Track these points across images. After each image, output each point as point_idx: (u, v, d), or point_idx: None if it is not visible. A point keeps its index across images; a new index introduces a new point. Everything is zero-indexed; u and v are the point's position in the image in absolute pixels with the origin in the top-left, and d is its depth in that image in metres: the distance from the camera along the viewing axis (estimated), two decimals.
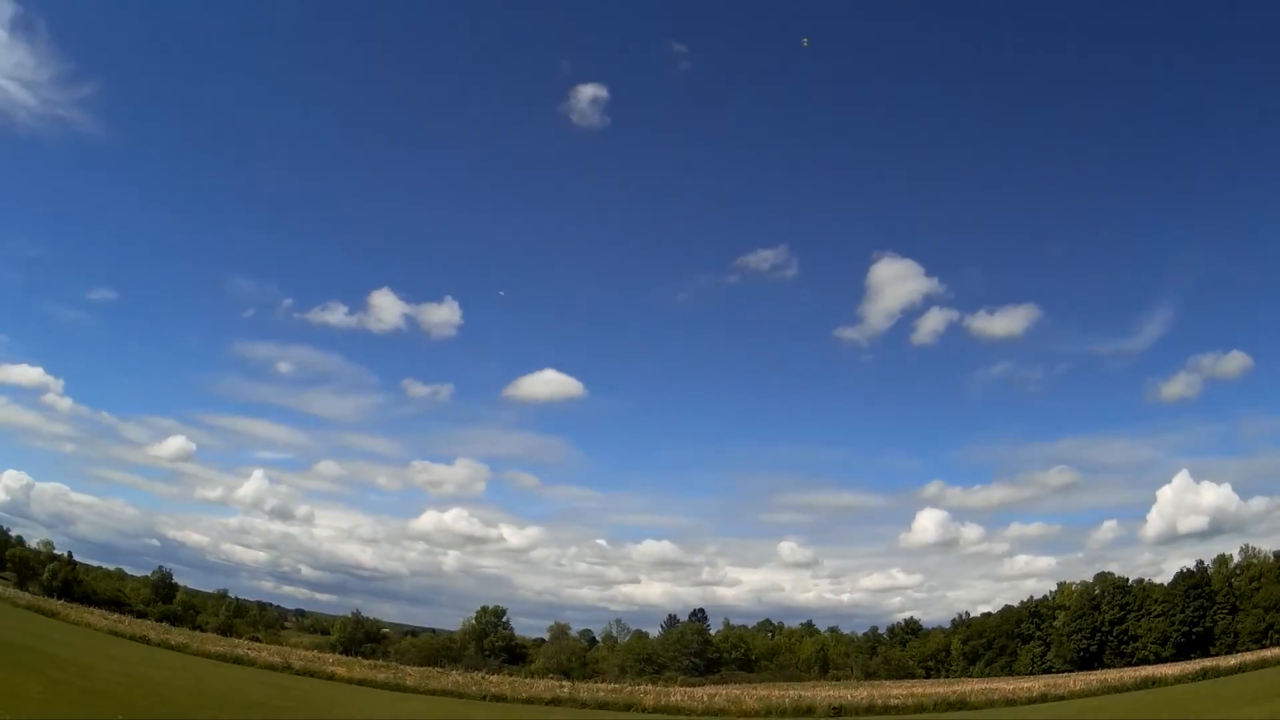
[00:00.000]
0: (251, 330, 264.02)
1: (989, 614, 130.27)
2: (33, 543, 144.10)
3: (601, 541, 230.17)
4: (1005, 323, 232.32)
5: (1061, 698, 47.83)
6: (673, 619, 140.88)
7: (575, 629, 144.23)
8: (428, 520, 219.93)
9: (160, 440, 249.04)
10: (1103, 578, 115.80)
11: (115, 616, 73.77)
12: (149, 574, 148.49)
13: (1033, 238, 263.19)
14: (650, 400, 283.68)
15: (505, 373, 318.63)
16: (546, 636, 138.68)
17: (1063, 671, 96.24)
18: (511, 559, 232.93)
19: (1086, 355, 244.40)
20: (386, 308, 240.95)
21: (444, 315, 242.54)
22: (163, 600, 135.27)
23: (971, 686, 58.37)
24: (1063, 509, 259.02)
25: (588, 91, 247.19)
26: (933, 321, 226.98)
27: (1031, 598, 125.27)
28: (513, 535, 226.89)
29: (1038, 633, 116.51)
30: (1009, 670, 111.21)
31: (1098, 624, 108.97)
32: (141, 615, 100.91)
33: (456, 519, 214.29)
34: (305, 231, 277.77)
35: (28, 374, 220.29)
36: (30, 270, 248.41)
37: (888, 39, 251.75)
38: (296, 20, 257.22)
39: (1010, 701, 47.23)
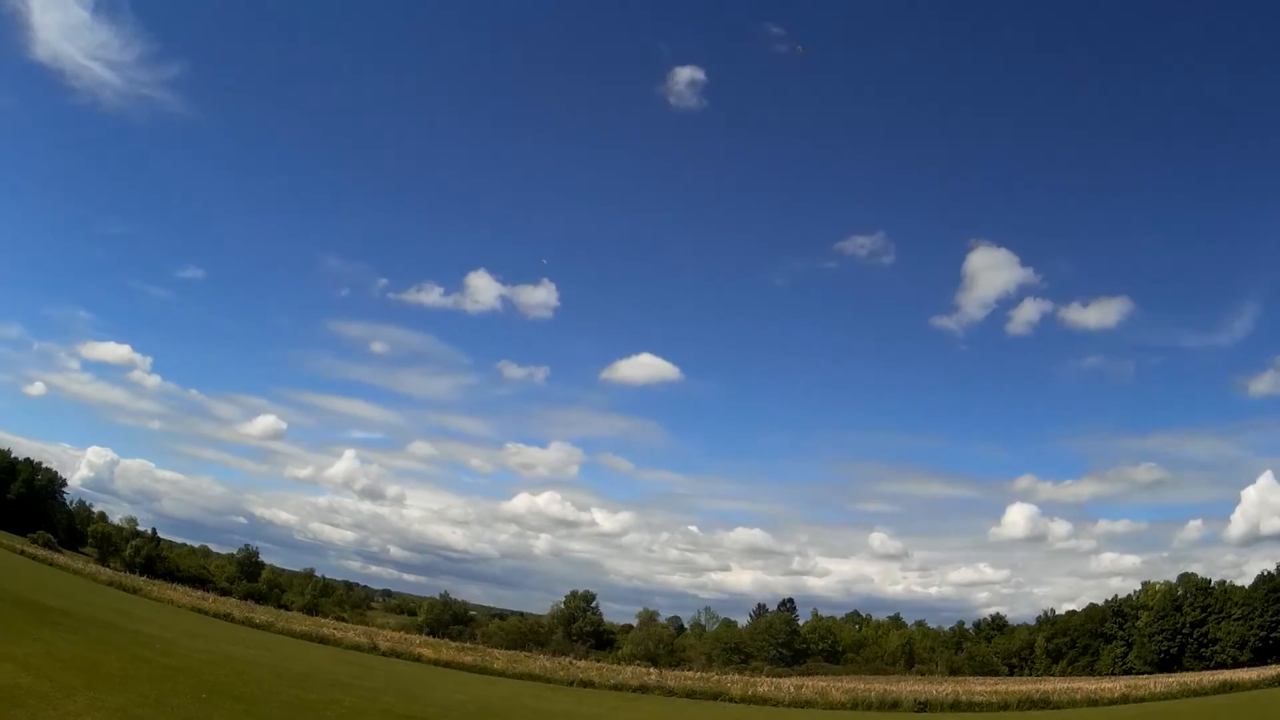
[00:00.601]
0: (345, 309, 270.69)
1: (1074, 612, 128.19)
2: (116, 518, 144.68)
3: (693, 528, 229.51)
4: (1098, 314, 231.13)
5: (1142, 699, 47.19)
6: (761, 608, 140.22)
7: (663, 616, 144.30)
8: (520, 502, 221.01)
9: (250, 418, 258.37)
10: (1186, 578, 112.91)
11: (199, 594, 74.67)
12: (234, 552, 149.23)
13: (1126, 230, 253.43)
14: (745, 385, 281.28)
15: (601, 355, 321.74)
16: (635, 623, 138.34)
17: (1143, 673, 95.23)
18: (602, 543, 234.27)
19: (1177, 349, 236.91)
20: (483, 289, 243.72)
21: (540, 297, 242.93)
22: (248, 578, 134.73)
23: (1054, 685, 56.79)
24: (1150, 505, 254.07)
25: (685, 74, 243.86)
26: (1027, 312, 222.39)
27: (1116, 596, 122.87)
28: (604, 519, 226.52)
29: (1120, 633, 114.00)
30: (1091, 670, 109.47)
31: (1179, 625, 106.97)
32: (226, 593, 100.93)
33: (549, 502, 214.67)
34: (401, 213, 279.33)
35: (115, 351, 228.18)
36: (118, 248, 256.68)
37: (989, 31, 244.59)
38: None
39: (1093, 701, 46.46)
